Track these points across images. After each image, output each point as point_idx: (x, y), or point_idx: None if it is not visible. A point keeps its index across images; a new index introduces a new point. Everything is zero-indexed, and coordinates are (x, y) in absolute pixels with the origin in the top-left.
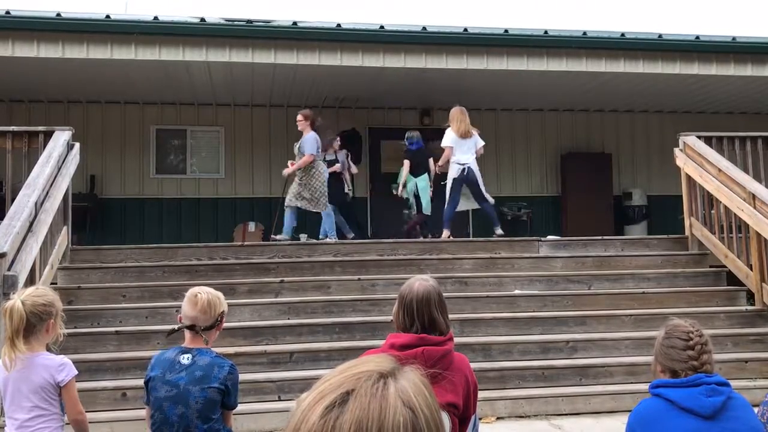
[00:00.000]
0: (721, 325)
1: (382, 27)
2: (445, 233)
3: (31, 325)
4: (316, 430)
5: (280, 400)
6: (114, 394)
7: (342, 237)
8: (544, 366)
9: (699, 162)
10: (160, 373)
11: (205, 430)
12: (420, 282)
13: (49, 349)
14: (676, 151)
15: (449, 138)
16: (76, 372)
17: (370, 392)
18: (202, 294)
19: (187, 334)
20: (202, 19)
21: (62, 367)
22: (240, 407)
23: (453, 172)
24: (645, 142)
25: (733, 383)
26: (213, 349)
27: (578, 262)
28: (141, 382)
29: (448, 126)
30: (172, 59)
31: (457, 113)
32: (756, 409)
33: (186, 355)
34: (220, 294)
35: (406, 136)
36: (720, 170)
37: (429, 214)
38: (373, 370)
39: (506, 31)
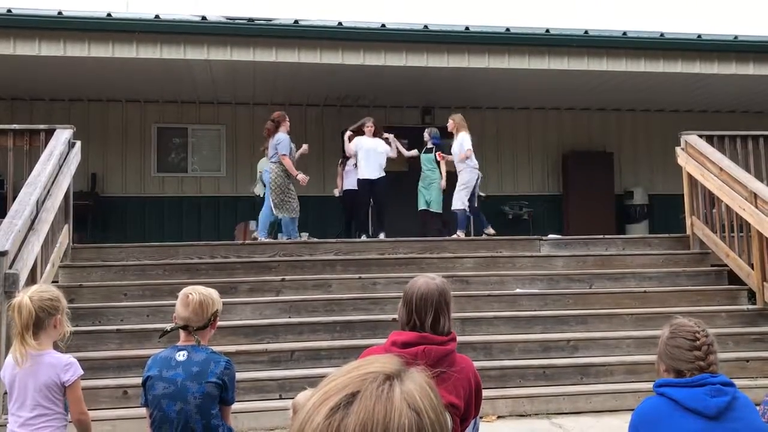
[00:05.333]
0: (722, 324)
1: (383, 25)
2: (463, 233)
3: (40, 320)
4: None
5: (281, 398)
6: (116, 392)
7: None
8: (545, 365)
9: (700, 161)
10: (156, 372)
11: (205, 425)
12: (424, 279)
13: (57, 347)
14: (678, 150)
15: (469, 140)
16: (82, 372)
17: (376, 394)
18: (193, 294)
19: (182, 333)
20: (204, 18)
21: (68, 366)
22: (241, 405)
23: (473, 176)
24: (647, 140)
25: (735, 382)
26: (212, 347)
27: (579, 261)
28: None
29: (454, 128)
30: (174, 58)
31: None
32: (757, 408)
33: (182, 352)
34: (213, 292)
35: (432, 132)
36: (721, 169)
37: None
38: (378, 372)
39: (508, 29)
